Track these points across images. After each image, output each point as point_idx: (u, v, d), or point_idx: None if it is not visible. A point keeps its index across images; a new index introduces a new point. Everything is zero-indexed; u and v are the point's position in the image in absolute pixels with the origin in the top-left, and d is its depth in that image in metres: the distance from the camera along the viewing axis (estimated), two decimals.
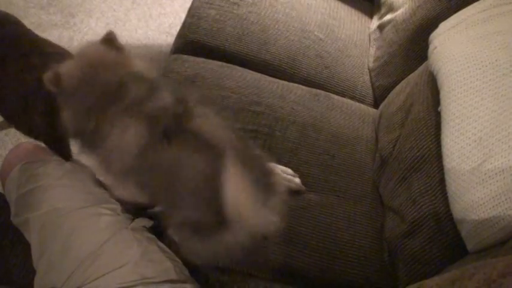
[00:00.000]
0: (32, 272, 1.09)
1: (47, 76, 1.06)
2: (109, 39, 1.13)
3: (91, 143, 1.12)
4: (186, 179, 1.06)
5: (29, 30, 1.42)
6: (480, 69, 1.26)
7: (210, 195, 1.03)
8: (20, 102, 1.27)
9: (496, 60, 1.24)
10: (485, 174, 1.10)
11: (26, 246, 1.13)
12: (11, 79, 1.28)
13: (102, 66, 1.09)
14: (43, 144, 1.29)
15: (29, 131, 1.35)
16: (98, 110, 1.06)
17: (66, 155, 1.27)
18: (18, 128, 1.40)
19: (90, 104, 1.07)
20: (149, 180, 1.11)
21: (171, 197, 1.09)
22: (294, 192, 1.46)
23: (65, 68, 1.09)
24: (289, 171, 1.48)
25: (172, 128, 1.05)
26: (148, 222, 1.15)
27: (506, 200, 1.04)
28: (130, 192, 1.19)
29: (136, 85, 1.07)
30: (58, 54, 1.35)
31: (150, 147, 1.05)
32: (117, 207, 1.15)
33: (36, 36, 1.40)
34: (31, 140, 1.32)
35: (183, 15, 2.12)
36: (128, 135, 1.05)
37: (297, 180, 1.47)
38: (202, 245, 1.10)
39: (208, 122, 1.11)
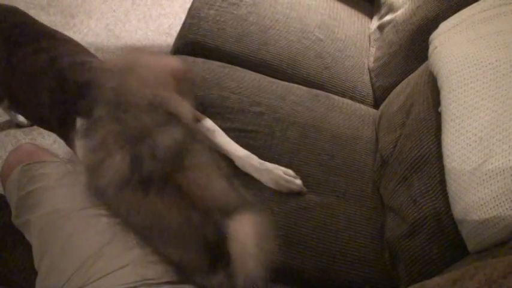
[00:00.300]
0: (34, 273, 1.09)
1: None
2: (184, 75, 1.13)
3: (85, 134, 1.11)
4: (160, 228, 1.05)
5: (36, 20, 1.48)
6: (480, 69, 1.26)
7: (184, 247, 1.04)
8: (28, 80, 1.30)
9: (496, 60, 1.24)
10: (486, 174, 1.10)
11: (27, 247, 1.13)
12: (22, 61, 1.32)
13: (151, 82, 1.08)
14: (42, 145, 1.30)
15: (34, 113, 1.37)
16: (105, 113, 1.06)
17: (65, 136, 1.28)
18: (24, 109, 1.43)
19: (107, 97, 1.06)
20: (116, 211, 1.09)
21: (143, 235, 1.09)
22: (295, 194, 1.46)
23: (135, 51, 1.10)
24: (291, 172, 1.48)
25: (155, 179, 1.02)
26: None
27: (506, 200, 1.04)
28: None
29: (147, 116, 1.05)
30: (66, 40, 1.39)
31: (126, 186, 1.02)
32: None
33: (43, 24, 1.45)
34: (31, 141, 1.33)
35: (182, 16, 2.13)
36: (110, 162, 1.03)
37: (298, 181, 1.47)
38: None
39: (200, 178, 1.07)
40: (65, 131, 1.29)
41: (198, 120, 1.49)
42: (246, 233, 1.03)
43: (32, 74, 1.31)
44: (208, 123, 1.51)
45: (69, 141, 1.30)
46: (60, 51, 1.34)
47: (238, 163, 1.47)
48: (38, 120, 1.44)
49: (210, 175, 1.10)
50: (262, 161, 1.47)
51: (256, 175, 1.46)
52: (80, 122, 1.21)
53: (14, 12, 1.48)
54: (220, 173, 1.11)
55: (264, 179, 1.45)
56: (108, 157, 1.03)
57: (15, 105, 1.47)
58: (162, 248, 1.06)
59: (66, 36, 1.46)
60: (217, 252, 1.02)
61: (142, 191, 1.01)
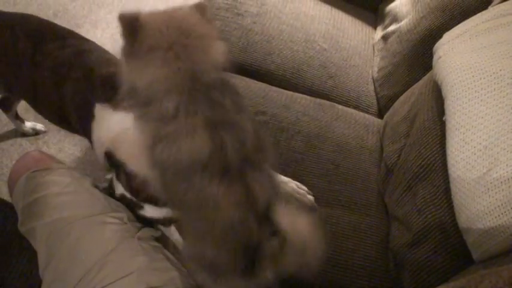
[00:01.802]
0: (39, 280, 1.09)
1: None
2: None
3: (142, 110, 0.99)
4: (209, 222, 0.97)
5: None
6: (484, 78, 1.26)
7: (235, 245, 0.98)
8: (53, 73, 1.33)
9: (501, 70, 1.25)
10: (491, 183, 1.10)
11: (33, 254, 1.13)
12: (48, 55, 1.35)
13: None
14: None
15: (53, 107, 1.39)
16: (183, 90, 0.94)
17: (84, 127, 1.30)
18: (43, 105, 1.45)
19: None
20: (177, 200, 1.01)
21: (196, 231, 1.02)
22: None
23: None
24: (304, 187, 1.48)
25: (232, 170, 0.94)
26: (156, 232, 1.15)
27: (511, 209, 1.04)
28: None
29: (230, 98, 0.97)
30: (88, 40, 1.45)
31: (199, 170, 0.93)
32: (124, 215, 1.15)
33: (63, 27, 1.49)
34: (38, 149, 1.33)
35: None
36: (188, 144, 0.93)
37: (310, 197, 1.47)
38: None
39: (264, 182, 1.00)
40: (83, 122, 1.30)
41: None
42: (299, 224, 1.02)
43: (58, 66, 1.33)
44: None
45: (87, 133, 1.30)
46: (85, 47, 1.38)
47: None
48: (56, 114, 1.45)
49: (268, 178, 1.03)
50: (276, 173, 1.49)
51: None
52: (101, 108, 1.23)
53: (32, 17, 1.51)
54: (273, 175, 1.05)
55: None
56: (184, 134, 0.93)
57: (33, 103, 1.49)
58: (199, 242, 1.01)
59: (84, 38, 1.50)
60: (254, 259, 0.98)
61: (215, 179, 0.93)
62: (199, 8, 1.02)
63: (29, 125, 2.19)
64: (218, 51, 1.00)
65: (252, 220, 0.95)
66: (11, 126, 2.19)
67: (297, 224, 1.04)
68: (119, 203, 1.20)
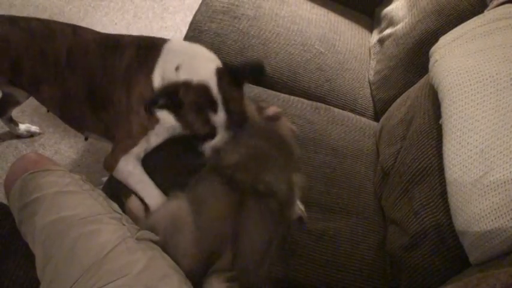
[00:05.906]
0: (36, 282, 1.09)
1: None
2: None
3: None
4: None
5: None
6: (481, 82, 1.27)
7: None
8: None
9: (497, 73, 1.25)
10: (487, 186, 1.10)
11: (29, 256, 1.13)
12: None
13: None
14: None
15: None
16: None
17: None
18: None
19: None
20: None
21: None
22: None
23: None
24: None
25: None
26: (154, 236, 1.15)
27: (508, 211, 1.04)
28: None
29: None
30: None
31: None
32: (123, 217, 1.15)
33: None
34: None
35: (184, 29, 2.14)
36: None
37: (302, 207, 1.46)
38: None
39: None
40: None
41: None
42: None
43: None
44: None
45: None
46: None
47: None
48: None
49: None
50: None
51: None
52: None
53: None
54: None
55: None
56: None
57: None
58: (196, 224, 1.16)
59: None
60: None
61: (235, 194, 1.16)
62: None
63: (23, 127, 2.19)
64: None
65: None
66: (6, 128, 2.19)
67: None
68: (117, 205, 1.21)
